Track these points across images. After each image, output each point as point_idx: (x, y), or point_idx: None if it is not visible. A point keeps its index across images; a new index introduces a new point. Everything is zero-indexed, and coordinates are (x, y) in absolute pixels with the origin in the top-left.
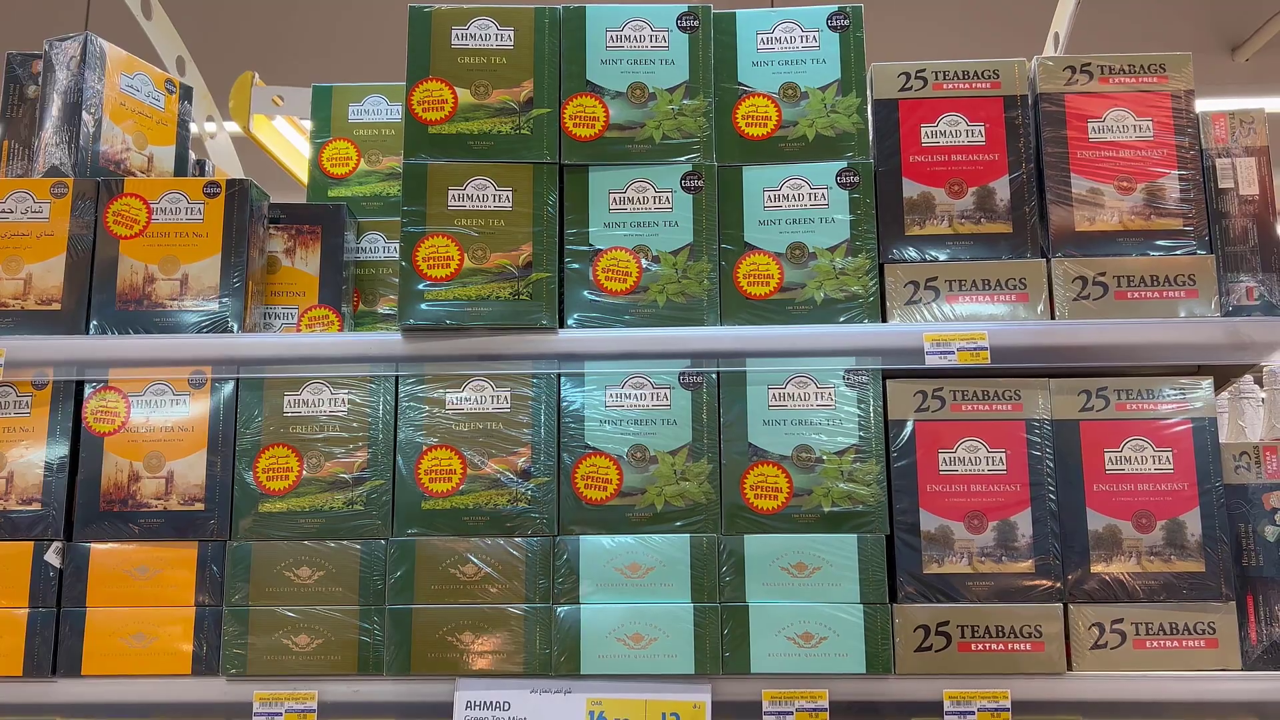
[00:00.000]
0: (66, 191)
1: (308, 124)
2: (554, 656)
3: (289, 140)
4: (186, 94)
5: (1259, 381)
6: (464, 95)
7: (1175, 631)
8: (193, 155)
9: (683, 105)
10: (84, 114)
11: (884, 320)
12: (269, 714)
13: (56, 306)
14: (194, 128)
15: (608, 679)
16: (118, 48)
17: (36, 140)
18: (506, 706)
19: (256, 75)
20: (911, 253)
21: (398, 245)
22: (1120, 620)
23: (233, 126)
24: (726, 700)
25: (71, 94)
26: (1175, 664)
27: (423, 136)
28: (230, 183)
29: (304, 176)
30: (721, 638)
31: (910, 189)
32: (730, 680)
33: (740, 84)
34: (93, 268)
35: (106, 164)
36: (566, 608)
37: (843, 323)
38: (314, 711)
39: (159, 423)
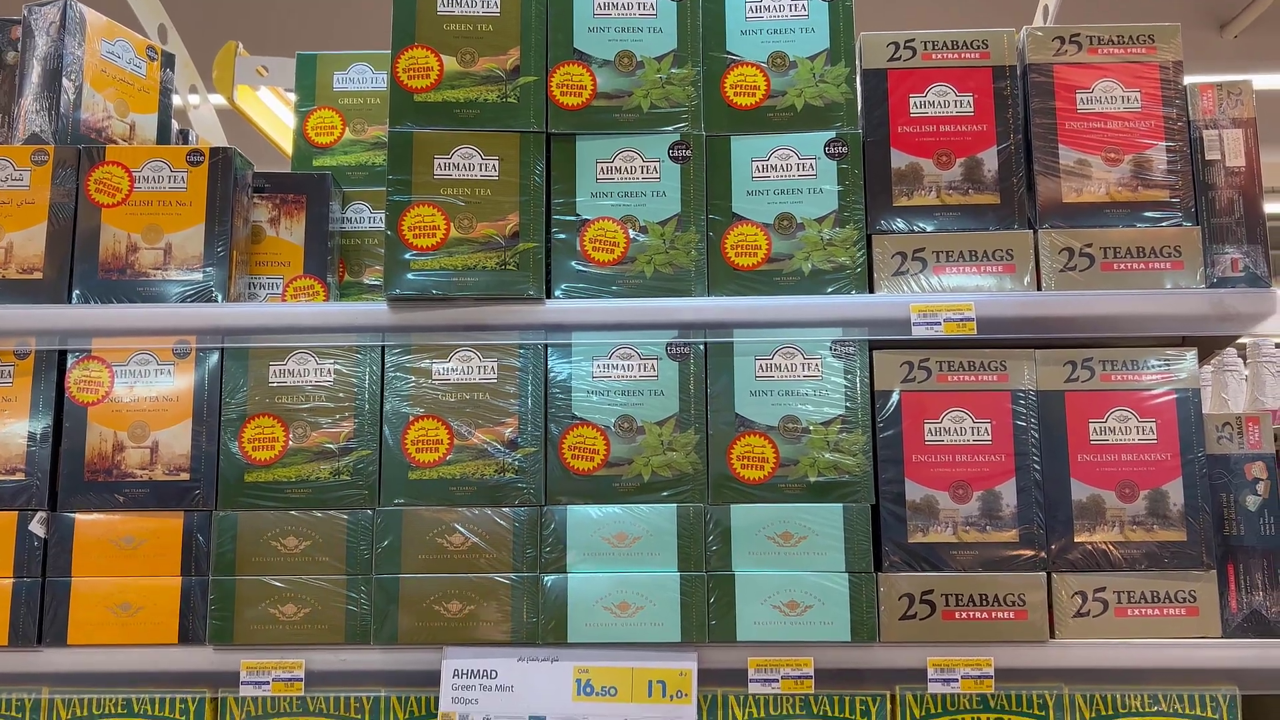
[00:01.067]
0: (47, 159)
1: (293, 96)
2: (541, 625)
3: (274, 112)
4: (169, 61)
5: (1243, 356)
6: (450, 63)
7: (1157, 600)
8: (176, 125)
9: (671, 74)
10: (64, 80)
11: (871, 291)
12: (256, 683)
13: (38, 275)
14: (177, 99)
15: (594, 647)
16: (98, 13)
17: (16, 107)
18: (494, 675)
19: (240, 45)
20: (899, 224)
21: (383, 215)
22: (1103, 589)
23: (218, 99)
24: (712, 668)
25: (51, 60)
26: (1156, 632)
27: (408, 104)
28: (214, 151)
29: (289, 148)
30: (708, 606)
31: (898, 159)
32: (716, 648)
33: (729, 53)
34: (75, 236)
35: (88, 131)
36: (554, 577)
37: (830, 294)
38: (301, 680)
39: (143, 393)
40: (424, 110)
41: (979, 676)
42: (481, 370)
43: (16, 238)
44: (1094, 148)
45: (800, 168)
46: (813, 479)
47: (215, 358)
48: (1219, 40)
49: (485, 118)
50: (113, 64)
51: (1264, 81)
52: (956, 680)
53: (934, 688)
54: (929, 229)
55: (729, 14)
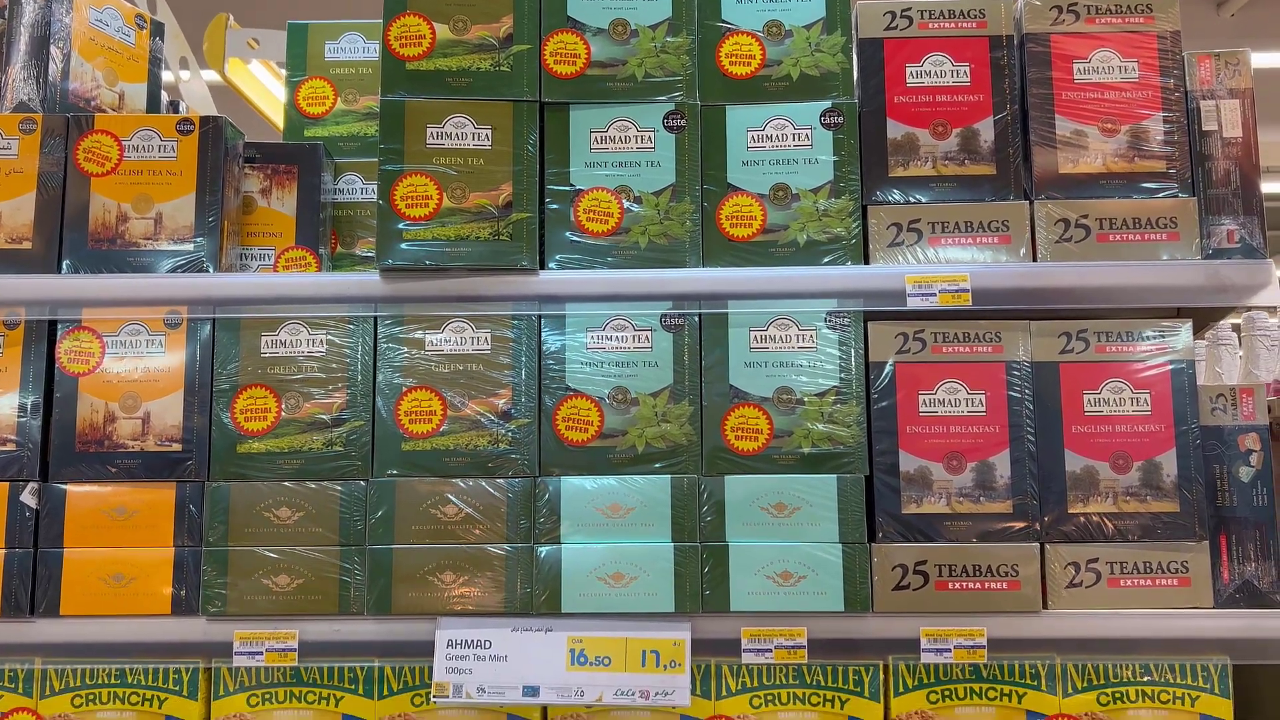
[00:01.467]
0: (35, 128)
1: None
2: (535, 596)
3: (266, 86)
4: (158, 30)
5: (1236, 331)
6: (442, 30)
7: (1149, 571)
8: (166, 96)
9: (665, 43)
10: (52, 49)
11: (866, 262)
12: (250, 653)
13: (27, 245)
14: (168, 74)
15: (588, 617)
16: None
17: (3, 75)
18: (487, 645)
19: (231, 17)
20: (895, 194)
21: (375, 186)
22: (1095, 560)
23: (209, 75)
24: (706, 638)
25: (39, 28)
26: (1149, 602)
27: (400, 73)
28: (204, 120)
29: (282, 124)
30: (701, 576)
31: (894, 130)
32: (710, 618)
33: (724, 21)
34: (64, 206)
35: (76, 100)
36: (548, 548)
37: (825, 265)
38: (294, 650)
39: (134, 363)
40: (416, 79)
41: (972, 647)
42: (475, 341)
43: (5, 207)
44: (1091, 118)
45: (796, 138)
46: (807, 450)
47: (207, 328)
48: (1216, 18)
49: (478, 86)
50: (101, 32)
51: (1261, 60)
52: (949, 650)
53: (927, 658)
54: (924, 200)
55: None
